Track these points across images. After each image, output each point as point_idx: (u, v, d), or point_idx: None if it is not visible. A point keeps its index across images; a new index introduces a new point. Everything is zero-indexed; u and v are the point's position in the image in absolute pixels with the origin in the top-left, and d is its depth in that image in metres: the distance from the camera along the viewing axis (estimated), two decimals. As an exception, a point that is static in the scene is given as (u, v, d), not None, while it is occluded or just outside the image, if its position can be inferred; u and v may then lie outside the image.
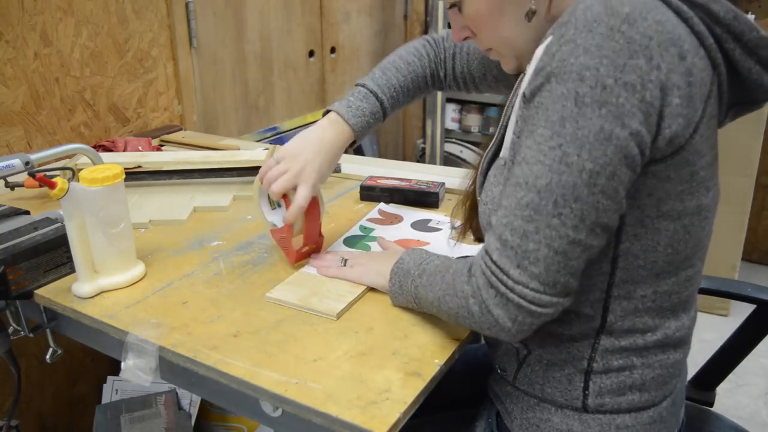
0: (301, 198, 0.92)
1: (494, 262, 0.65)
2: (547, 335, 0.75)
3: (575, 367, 0.74)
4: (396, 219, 1.18)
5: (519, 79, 0.77)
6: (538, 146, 0.62)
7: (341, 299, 0.87)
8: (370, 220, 1.17)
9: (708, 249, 0.76)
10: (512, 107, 0.75)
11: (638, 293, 0.71)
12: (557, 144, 0.61)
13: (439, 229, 1.13)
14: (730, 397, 2.00)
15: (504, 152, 0.74)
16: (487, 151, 0.80)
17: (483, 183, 0.79)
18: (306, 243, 0.99)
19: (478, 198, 0.79)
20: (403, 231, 1.13)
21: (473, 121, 3.41)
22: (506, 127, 0.75)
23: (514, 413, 0.81)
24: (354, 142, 1.02)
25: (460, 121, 3.47)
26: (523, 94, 0.67)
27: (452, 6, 0.80)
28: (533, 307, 0.64)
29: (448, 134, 3.35)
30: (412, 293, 0.81)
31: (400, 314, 0.86)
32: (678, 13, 0.63)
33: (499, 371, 0.84)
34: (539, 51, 0.67)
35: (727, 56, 0.65)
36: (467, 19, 0.79)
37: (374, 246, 1.06)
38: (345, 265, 0.94)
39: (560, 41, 0.61)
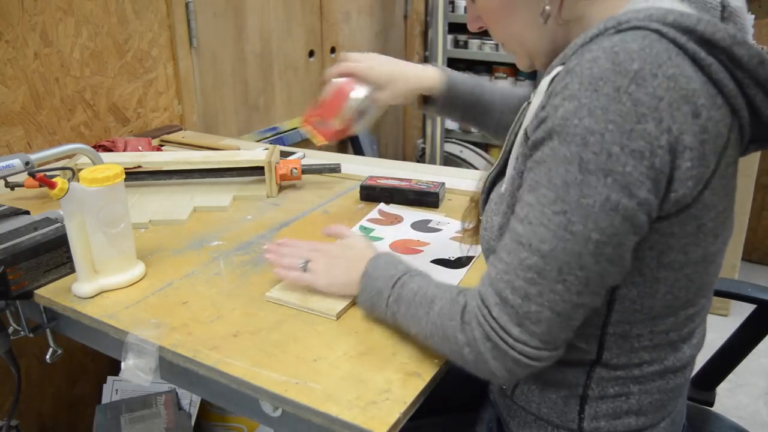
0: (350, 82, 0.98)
1: (494, 318, 0.64)
2: None
3: (570, 392, 0.73)
4: (396, 219, 1.18)
5: (522, 109, 0.76)
6: (542, 208, 0.60)
7: (341, 299, 0.87)
8: (370, 220, 1.17)
9: (714, 283, 0.74)
10: (515, 135, 0.73)
11: (634, 332, 0.69)
12: (561, 210, 0.59)
13: (439, 230, 1.13)
14: (730, 397, 2.00)
15: (505, 184, 0.72)
16: (490, 171, 0.78)
17: (485, 201, 0.78)
18: (319, 114, 0.98)
19: (480, 217, 0.79)
20: (403, 231, 1.13)
21: (473, 121, 3.41)
22: (509, 152, 0.73)
23: (511, 426, 0.81)
24: (428, 99, 1.05)
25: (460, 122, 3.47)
26: (525, 134, 0.65)
27: None
28: (531, 362, 0.64)
29: (448, 134, 3.35)
30: (389, 319, 0.79)
31: (400, 314, 0.86)
32: (694, 60, 0.58)
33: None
34: (544, 84, 0.65)
35: (749, 100, 0.61)
36: (479, 10, 0.78)
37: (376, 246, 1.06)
38: (306, 269, 0.89)
39: (564, 93, 0.58)
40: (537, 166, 0.61)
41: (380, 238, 1.10)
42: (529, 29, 0.73)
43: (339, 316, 0.85)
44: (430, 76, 1.05)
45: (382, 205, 1.24)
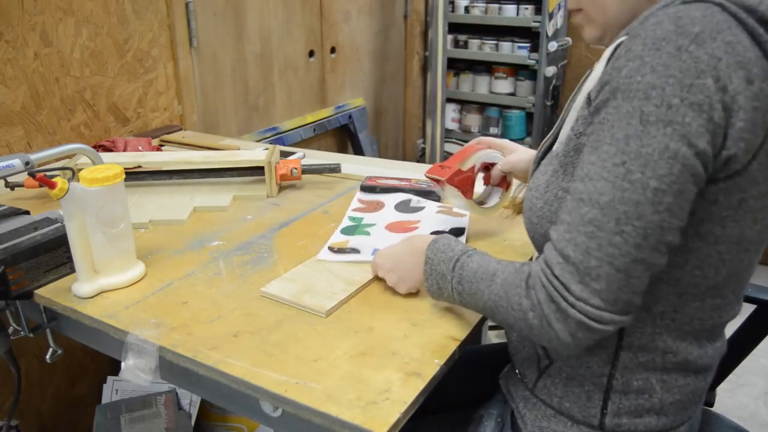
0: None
1: (556, 277, 0.64)
2: None
3: (595, 384, 0.74)
4: (378, 204, 1.20)
5: (584, 77, 0.76)
6: (602, 163, 0.62)
7: (333, 297, 0.88)
8: (356, 210, 1.19)
9: (745, 284, 0.74)
10: (574, 102, 0.74)
11: (658, 309, 0.69)
12: (621, 161, 0.60)
13: (422, 207, 1.16)
14: (730, 397, 2.00)
15: (558, 146, 0.74)
16: (543, 141, 0.81)
17: (534, 171, 0.79)
18: (446, 164, 1.02)
19: (528, 185, 0.80)
20: (391, 215, 1.15)
21: (473, 121, 3.41)
22: (565, 120, 0.75)
23: (527, 418, 0.81)
24: None
25: (460, 121, 3.47)
26: (588, 97, 0.67)
27: None
28: (593, 324, 0.63)
29: (448, 134, 3.35)
30: (456, 299, 0.79)
31: (400, 314, 0.86)
32: (753, 35, 0.60)
33: (518, 375, 0.84)
34: (607, 52, 0.66)
35: None
36: None
37: (373, 231, 1.08)
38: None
39: (627, 56, 0.61)
40: (600, 127, 0.63)
41: (373, 224, 1.12)
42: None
43: (329, 313, 0.85)
44: None
45: (359, 194, 1.26)
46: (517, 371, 0.84)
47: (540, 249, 0.77)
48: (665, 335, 0.71)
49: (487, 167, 1.07)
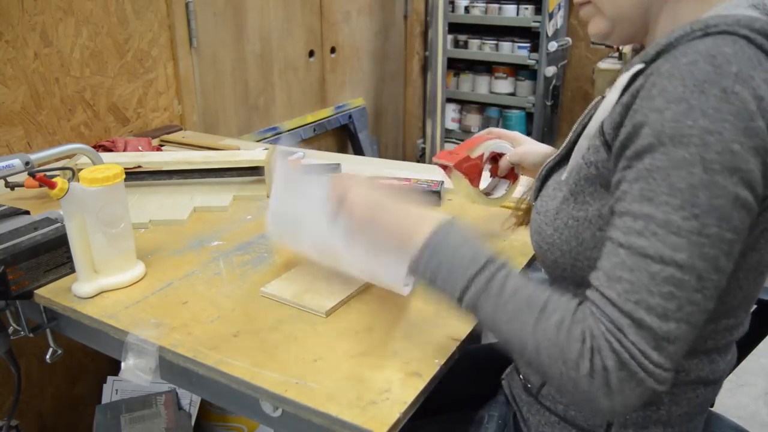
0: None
1: (633, 344, 0.57)
2: None
3: None
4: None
5: (594, 104, 0.74)
6: (667, 216, 0.57)
7: (333, 297, 0.88)
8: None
9: (754, 301, 0.73)
10: (583, 128, 0.71)
11: None
12: (692, 214, 0.56)
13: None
14: (730, 397, 2.00)
15: (567, 174, 0.71)
16: (549, 159, 0.78)
17: (539, 189, 0.78)
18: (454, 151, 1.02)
19: (533, 203, 0.78)
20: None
21: (473, 121, 3.42)
22: (575, 142, 0.72)
23: (530, 423, 0.80)
24: None
25: (460, 121, 3.47)
26: (601, 128, 0.64)
27: None
28: (658, 387, 0.58)
29: (448, 134, 3.35)
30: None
31: (400, 314, 0.86)
32: None
33: (522, 380, 0.83)
34: (624, 78, 0.63)
35: None
36: None
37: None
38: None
39: (666, 96, 0.57)
40: (648, 175, 0.58)
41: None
42: None
43: (329, 313, 0.85)
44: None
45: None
46: (521, 376, 0.84)
47: (551, 274, 0.76)
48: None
49: (495, 158, 1.06)
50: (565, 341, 0.60)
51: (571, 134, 0.75)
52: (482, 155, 1.02)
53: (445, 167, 1.01)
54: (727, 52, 0.57)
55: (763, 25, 0.59)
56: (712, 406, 1.08)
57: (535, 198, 0.78)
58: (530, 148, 1.02)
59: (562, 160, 0.75)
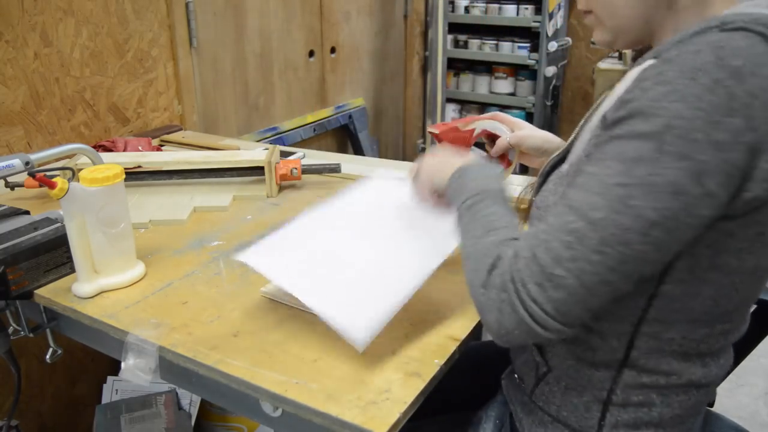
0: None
1: (518, 270, 0.62)
2: (571, 358, 0.74)
3: (594, 396, 0.73)
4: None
5: (601, 99, 0.75)
6: (603, 178, 0.60)
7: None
8: None
9: (751, 305, 0.73)
10: (588, 122, 0.72)
11: (667, 335, 0.69)
12: (624, 182, 0.58)
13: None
14: (730, 397, 2.00)
15: (568, 166, 0.72)
16: (552, 156, 0.78)
17: (541, 185, 0.78)
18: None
19: (533, 198, 0.79)
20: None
21: (473, 121, 3.41)
22: (577, 139, 0.73)
23: (524, 422, 0.80)
24: None
25: (460, 121, 3.47)
26: (604, 117, 0.65)
27: None
28: (536, 327, 0.61)
29: (448, 134, 3.34)
30: (456, 214, 0.77)
31: (400, 314, 0.85)
32: None
33: (517, 379, 0.84)
34: (634, 72, 0.64)
35: None
36: None
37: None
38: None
39: (657, 78, 0.58)
40: (609, 141, 0.61)
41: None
42: (631, 3, 0.70)
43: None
44: (554, 139, 1.03)
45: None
46: (516, 375, 0.84)
47: None
48: (670, 358, 0.70)
49: (492, 140, 1.05)
50: (484, 257, 0.67)
51: (576, 129, 0.76)
52: (473, 130, 1.00)
53: (434, 135, 1.00)
54: (738, 45, 0.57)
55: None
56: (711, 406, 1.08)
57: (536, 193, 0.79)
58: (530, 132, 1.02)
59: (564, 156, 0.76)
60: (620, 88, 0.66)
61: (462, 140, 1.00)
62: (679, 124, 0.56)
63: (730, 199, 0.59)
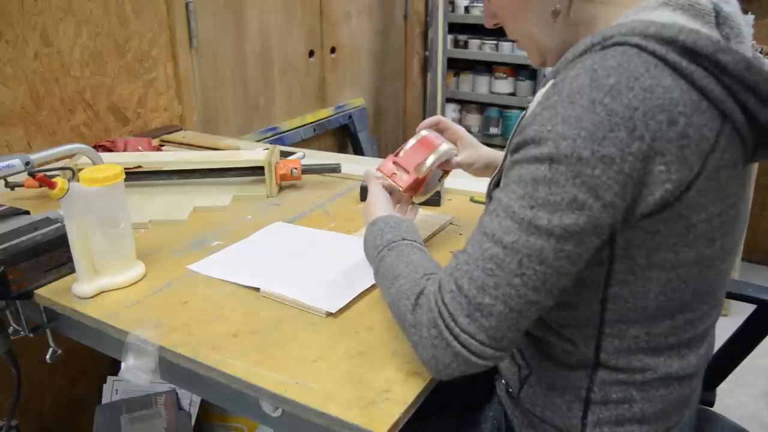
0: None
1: (445, 305, 0.64)
2: (548, 360, 0.75)
3: (574, 395, 0.74)
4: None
5: (520, 117, 0.76)
6: (509, 202, 0.62)
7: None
8: None
9: (723, 290, 0.74)
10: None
11: (631, 333, 0.69)
12: (529, 205, 0.61)
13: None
14: (730, 397, 2.00)
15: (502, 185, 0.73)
16: (492, 177, 0.79)
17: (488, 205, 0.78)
18: (401, 163, 0.98)
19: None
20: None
21: (473, 121, 3.41)
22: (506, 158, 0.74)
23: (514, 424, 0.82)
24: None
25: (460, 121, 3.47)
26: (509, 142, 0.68)
27: None
28: (473, 358, 0.64)
29: (448, 134, 3.34)
30: (373, 268, 0.81)
31: (400, 314, 0.86)
32: (675, 69, 0.60)
33: (504, 383, 0.84)
34: (539, 95, 0.66)
35: (742, 105, 0.61)
36: (494, 7, 0.80)
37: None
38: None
39: (543, 104, 0.62)
40: (512, 166, 0.64)
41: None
42: (541, 27, 0.75)
43: (329, 313, 0.85)
44: (498, 156, 1.05)
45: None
46: (503, 380, 0.85)
47: None
48: (641, 355, 0.71)
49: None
50: (402, 299, 0.71)
51: (505, 150, 0.77)
52: (429, 174, 0.98)
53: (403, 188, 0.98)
54: (610, 64, 0.60)
55: (657, 30, 0.60)
56: (711, 406, 1.08)
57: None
58: (477, 155, 1.03)
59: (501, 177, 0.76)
60: (529, 110, 0.68)
61: (421, 184, 0.99)
62: (566, 144, 0.59)
63: (630, 205, 0.61)
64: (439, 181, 1.07)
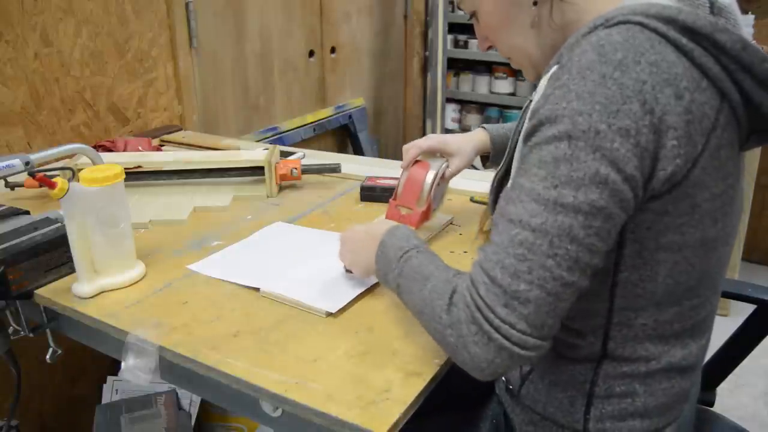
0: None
1: (481, 298, 0.62)
2: (552, 355, 0.75)
3: (577, 390, 0.74)
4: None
5: (524, 108, 0.77)
6: (533, 185, 0.62)
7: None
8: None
9: (721, 278, 0.74)
10: (519, 134, 0.74)
11: (638, 321, 0.70)
12: (552, 184, 0.60)
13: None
14: (730, 397, 2.00)
15: (511, 180, 0.73)
16: (497, 172, 0.80)
17: (495, 201, 0.79)
18: (402, 203, 1.02)
19: (492, 215, 0.79)
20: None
21: (473, 121, 3.41)
22: (515, 149, 0.75)
23: (515, 422, 0.82)
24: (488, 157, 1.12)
25: (460, 121, 3.47)
26: (524, 131, 0.67)
27: (472, 17, 0.82)
28: (516, 349, 0.61)
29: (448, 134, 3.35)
30: (395, 290, 0.78)
31: (400, 314, 0.86)
32: (677, 47, 0.61)
33: (504, 381, 0.85)
34: (543, 82, 0.66)
35: (739, 85, 0.63)
36: (484, 29, 0.81)
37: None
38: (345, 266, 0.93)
39: (554, 84, 0.62)
40: (530, 151, 0.64)
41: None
42: (529, 39, 0.76)
43: (329, 313, 0.85)
44: (482, 138, 1.09)
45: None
46: (503, 378, 0.85)
47: None
48: (647, 343, 0.71)
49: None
50: (435, 299, 0.67)
51: (509, 145, 0.78)
52: (430, 199, 1.01)
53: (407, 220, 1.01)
54: (616, 40, 0.61)
55: (659, 10, 0.62)
56: (711, 406, 1.08)
57: (493, 210, 0.80)
58: (464, 162, 1.06)
59: (507, 171, 0.77)
60: (535, 100, 0.68)
61: (428, 212, 1.03)
62: (582, 120, 0.59)
63: (646, 180, 0.61)
64: (443, 192, 1.10)
